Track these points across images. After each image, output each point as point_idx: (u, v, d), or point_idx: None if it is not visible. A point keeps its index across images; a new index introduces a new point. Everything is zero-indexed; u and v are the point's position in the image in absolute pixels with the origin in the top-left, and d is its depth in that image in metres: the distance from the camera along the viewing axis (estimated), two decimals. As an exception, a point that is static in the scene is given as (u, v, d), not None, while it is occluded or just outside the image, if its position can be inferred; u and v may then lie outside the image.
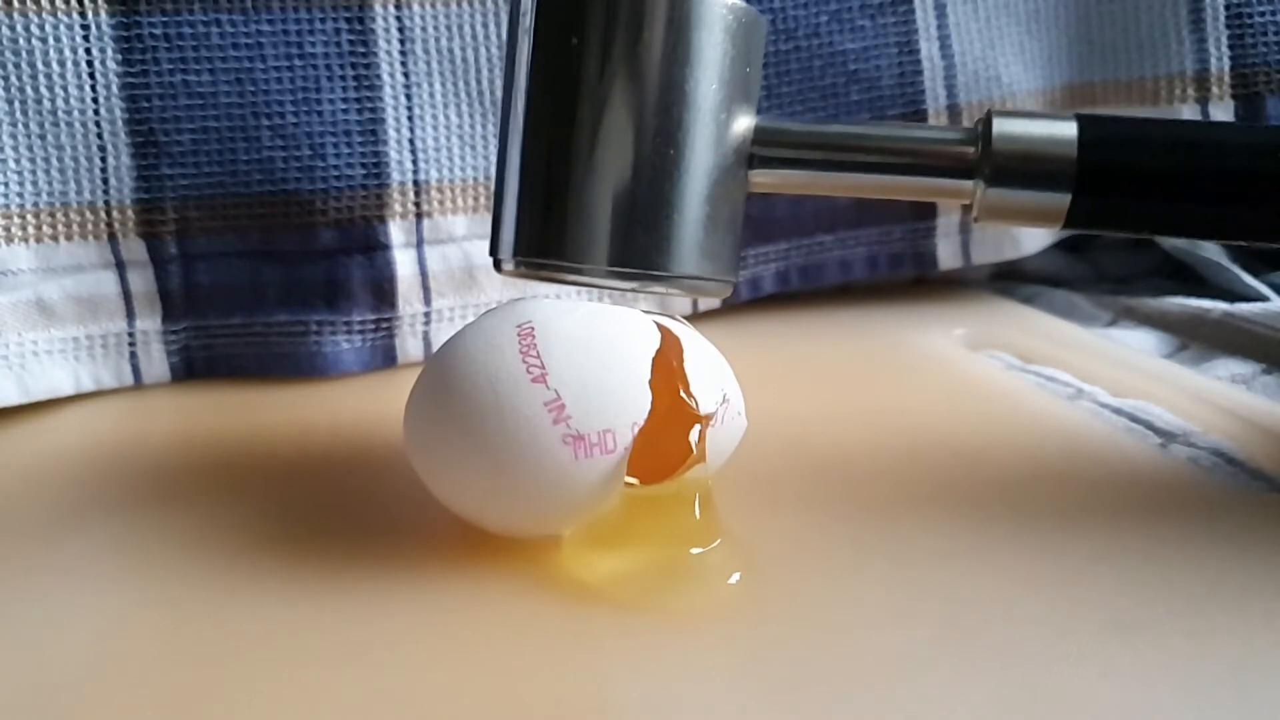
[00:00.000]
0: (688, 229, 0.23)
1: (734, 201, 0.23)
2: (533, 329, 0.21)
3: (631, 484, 0.21)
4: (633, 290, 0.23)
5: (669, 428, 0.21)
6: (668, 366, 0.22)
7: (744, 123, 0.23)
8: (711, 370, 0.22)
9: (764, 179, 0.24)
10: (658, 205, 0.22)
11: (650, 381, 0.21)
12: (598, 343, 0.21)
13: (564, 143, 0.22)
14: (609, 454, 0.20)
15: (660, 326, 0.22)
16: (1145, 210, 0.23)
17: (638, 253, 0.22)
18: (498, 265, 0.24)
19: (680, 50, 0.22)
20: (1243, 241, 0.24)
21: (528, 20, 0.23)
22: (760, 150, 0.23)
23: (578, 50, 0.22)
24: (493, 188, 0.25)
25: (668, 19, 0.22)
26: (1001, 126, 0.22)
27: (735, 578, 0.21)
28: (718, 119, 0.23)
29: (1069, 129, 0.22)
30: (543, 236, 0.23)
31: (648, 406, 0.20)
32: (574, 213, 0.22)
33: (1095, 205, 0.22)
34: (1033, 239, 0.42)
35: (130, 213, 0.35)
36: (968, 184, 0.23)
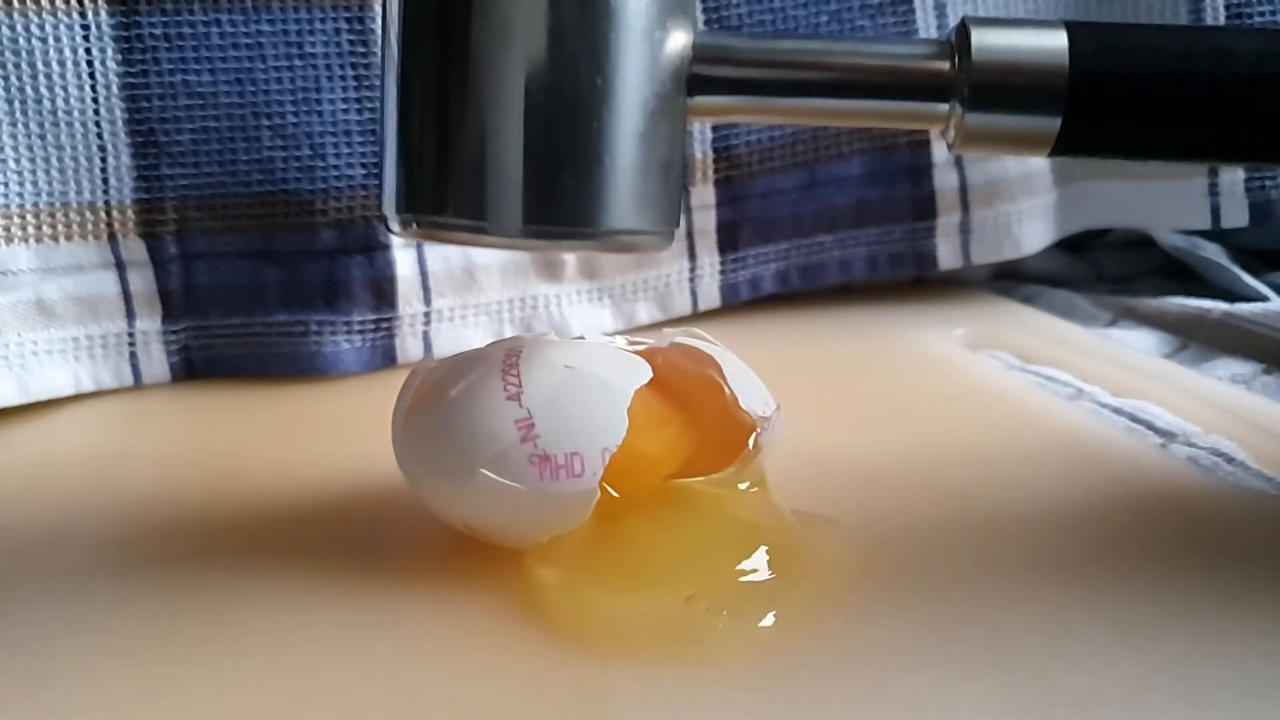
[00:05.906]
0: (621, 174, 0.19)
1: (673, 137, 0.20)
2: (520, 351, 0.21)
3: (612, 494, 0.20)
4: (551, 249, 0.20)
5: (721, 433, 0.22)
6: (703, 383, 0.22)
7: (680, 40, 0.19)
8: (753, 384, 0.23)
9: (706, 105, 0.20)
10: (585, 147, 0.18)
11: (630, 409, 0.20)
12: (580, 367, 0.20)
13: (463, 71, 0.18)
14: (575, 477, 0.19)
15: (695, 350, 0.22)
16: (1146, 130, 0.20)
17: (560, 206, 0.19)
18: (385, 224, 0.20)
19: None
20: (1252, 161, 0.21)
21: None
22: (702, 70, 0.20)
23: None
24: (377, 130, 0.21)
25: None
26: (981, 38, 0.19)
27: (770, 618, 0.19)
28: (651, 37, 0.19)
29: (1058, 38, 0.19)
30: (438, 188, 0.19)
31: (623, 433, 0.20)
32: (478, 158, 0.18)
33: (1090, 127, 0.19)
34: (1033, 239, 0.42)
35: (130, 213, 0.35)
36: (942, 107, 0.20)
